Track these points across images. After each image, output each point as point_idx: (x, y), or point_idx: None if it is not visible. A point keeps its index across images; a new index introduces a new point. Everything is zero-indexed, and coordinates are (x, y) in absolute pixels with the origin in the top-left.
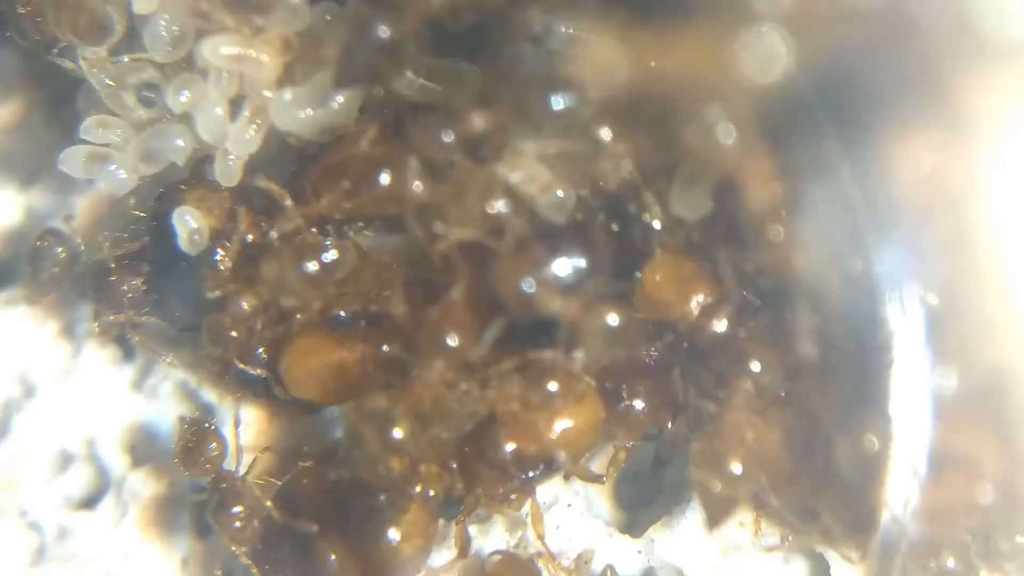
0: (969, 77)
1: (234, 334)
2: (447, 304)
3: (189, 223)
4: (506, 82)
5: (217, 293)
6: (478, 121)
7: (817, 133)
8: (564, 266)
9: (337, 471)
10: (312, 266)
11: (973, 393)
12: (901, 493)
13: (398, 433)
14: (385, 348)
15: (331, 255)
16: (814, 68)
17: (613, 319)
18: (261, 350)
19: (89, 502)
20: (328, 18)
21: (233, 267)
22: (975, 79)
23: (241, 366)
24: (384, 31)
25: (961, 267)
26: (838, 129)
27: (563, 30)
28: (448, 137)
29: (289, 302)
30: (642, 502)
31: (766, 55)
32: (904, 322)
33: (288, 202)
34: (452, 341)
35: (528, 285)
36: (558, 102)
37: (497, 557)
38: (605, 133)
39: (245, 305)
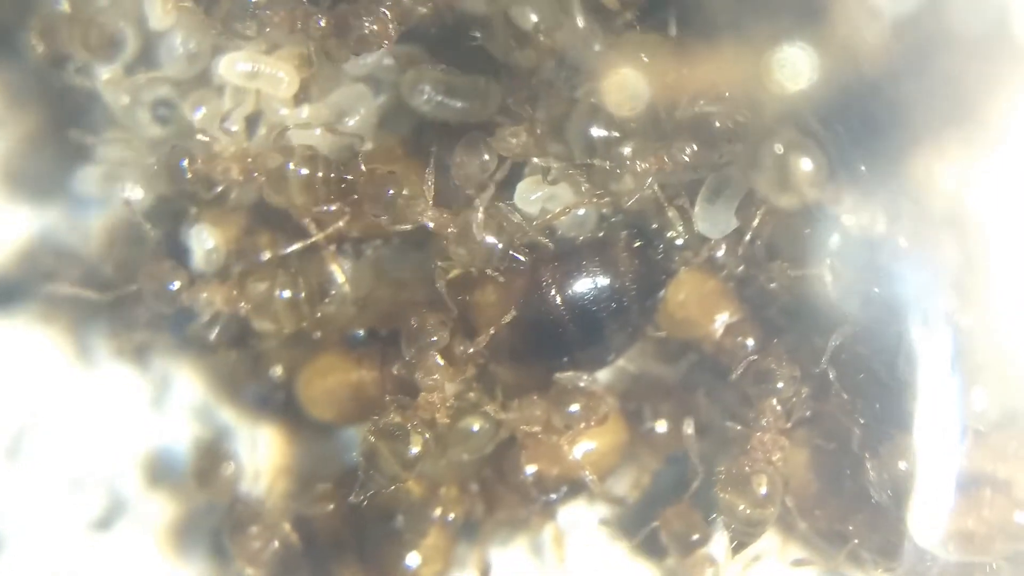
0: (1004, 88)
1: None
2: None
3: (205, 241)
4: (531, 99)
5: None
6: (515, 141)
7: (841, 145)
8: (586, 284)
9: (356, 494)
10: (301, 296)
11: (1007, 416)
12: (932, 518)
13: (414, 449)
14: (395, 370)
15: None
16: (842, 79)
17: (478, 218)
18: (277, 370)
19: (104, 523)
20: None
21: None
22: (1010, 90)
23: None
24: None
25: (992, 286)
26: (863, 141)
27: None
28: (490, 158)
29: (263, 325)
30: None
31: (793, 70)
32: (933, 342)
33: (307, 219)
34: (436, 336)
35: (394, 196)
36: (588, 125)
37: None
38: (628, 151)
39: (208, 297)
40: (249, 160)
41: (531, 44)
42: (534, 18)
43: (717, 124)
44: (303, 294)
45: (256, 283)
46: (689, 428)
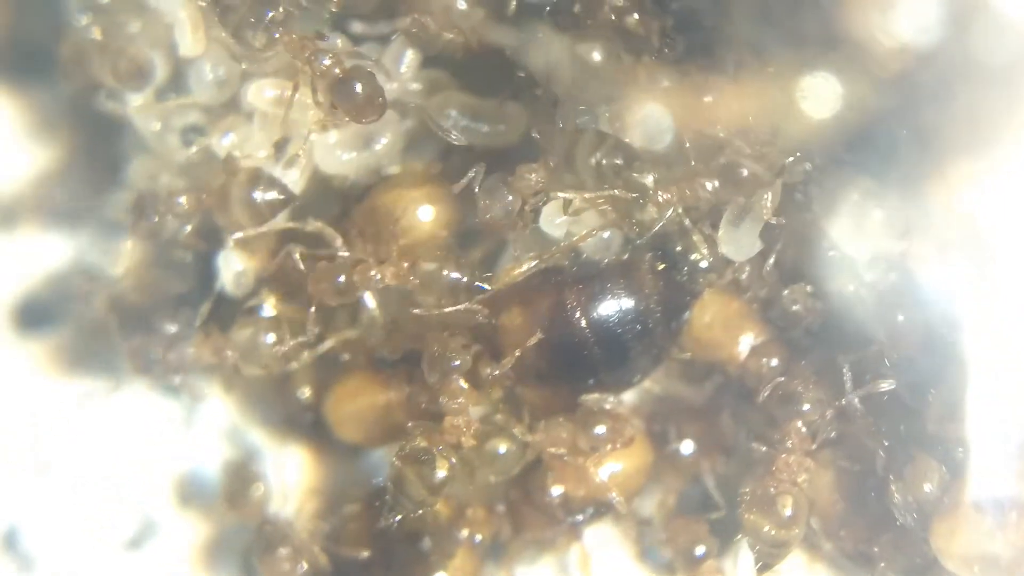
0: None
1: None
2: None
3: (234, 264)
4: (554, 131)
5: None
6: (534, 176)
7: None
8: (611, 306)
9: (384, 518)
10: (285, 336)
11: None
12: (955, 537)
13: (441, 473)
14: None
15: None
16: (866, 107)
17: (428, 268)
18: (306, 391)
19: (135, 544)
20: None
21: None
22: None
23: None
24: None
25: (1014, 307)
26: (887, 166)
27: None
28: (513, 199)
29: (253, 371)
30: None
31: (817, 100)
32: (955, 363)
33: (339, 243)
34: (458, 360)
35: (347, 280)
36: (593, 154)
37: None
38: (650, 180)
39: (195, 353)
40: (195, 188)
41: (599, 80)
42: (597, 56)
43: (745, 173)
44: (287, 333)
45: (240, 331)
46: (685, 447)
